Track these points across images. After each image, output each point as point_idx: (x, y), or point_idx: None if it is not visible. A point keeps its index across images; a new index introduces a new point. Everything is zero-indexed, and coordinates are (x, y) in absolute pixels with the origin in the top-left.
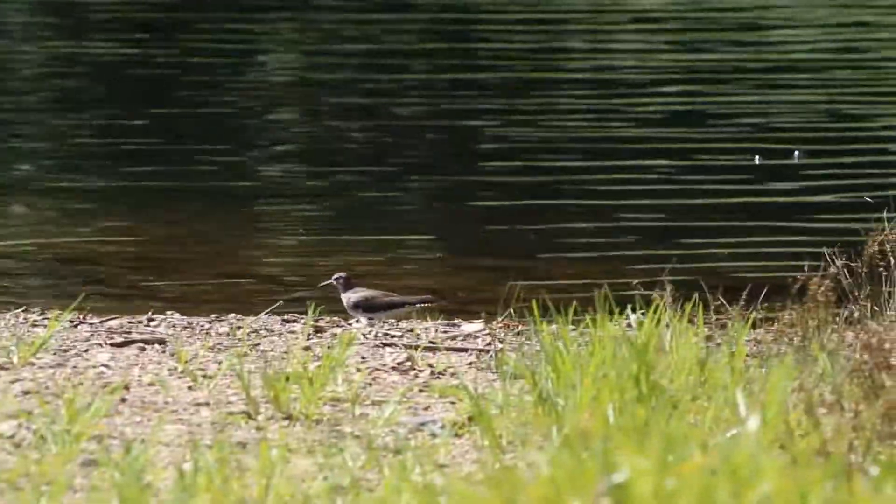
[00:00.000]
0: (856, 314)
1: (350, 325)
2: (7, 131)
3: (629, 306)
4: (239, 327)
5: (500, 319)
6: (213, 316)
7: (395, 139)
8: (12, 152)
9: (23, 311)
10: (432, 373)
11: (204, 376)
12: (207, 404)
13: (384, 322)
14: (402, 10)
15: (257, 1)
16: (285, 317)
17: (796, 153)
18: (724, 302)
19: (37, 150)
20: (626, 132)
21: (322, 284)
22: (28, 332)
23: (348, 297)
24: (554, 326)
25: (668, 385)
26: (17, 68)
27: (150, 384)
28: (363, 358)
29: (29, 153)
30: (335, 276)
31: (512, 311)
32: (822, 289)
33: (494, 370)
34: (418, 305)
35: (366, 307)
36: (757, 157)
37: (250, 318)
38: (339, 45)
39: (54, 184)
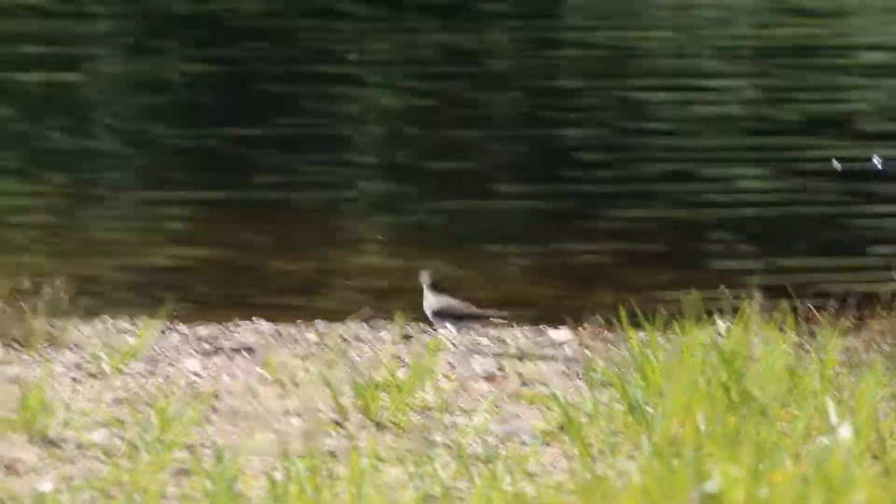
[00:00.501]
0: None
1: (437, 331)
2: (106, 140)
3: (718, 313)
4: (327, 335)
5: (587, 327)
6: (301, 323)
7: (480, 146)
8: (108, 160)
9: (112, 318)
10: (521, 381)
11: (293, 384)
12: (297, 413)
13: (471, 329)
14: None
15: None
16: (372, 324)
17: (875, 159)
18: (814, 309)
19: (130, 157)
20: (712, 140)
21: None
22: (118, 339)
23: (430, 303)
24: (642, 334)
25: (759, 393)
26: (122, 78)
27: (241, 392)
28: (452, 366)
29: (123, 161)
30: (422, 275)
31: (600, 318)
32: None
33: (583, 378)
34: (495, 318)
35: (445, 316)
36: (834, 160)
37: (338, 326)
38: (433, 55)
39: (145, 192)
